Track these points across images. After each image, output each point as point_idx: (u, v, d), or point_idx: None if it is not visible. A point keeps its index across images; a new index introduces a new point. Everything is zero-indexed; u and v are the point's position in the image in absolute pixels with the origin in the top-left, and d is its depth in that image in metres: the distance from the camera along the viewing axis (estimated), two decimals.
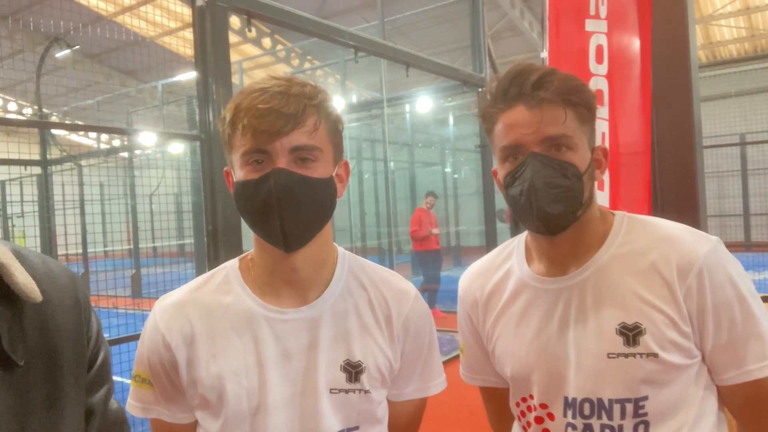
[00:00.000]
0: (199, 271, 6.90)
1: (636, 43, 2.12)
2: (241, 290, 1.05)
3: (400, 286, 1.12)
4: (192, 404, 1.03)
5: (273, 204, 0.94)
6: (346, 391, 1.01)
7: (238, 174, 0.98)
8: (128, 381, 1.08)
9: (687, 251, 1.03)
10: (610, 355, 1.03)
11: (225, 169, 1.05)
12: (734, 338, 1.02)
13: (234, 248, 2.87)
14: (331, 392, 1.00)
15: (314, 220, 0.99)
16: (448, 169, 15.53)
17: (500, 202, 6.06)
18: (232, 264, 1.10)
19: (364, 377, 1.02)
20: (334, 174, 1.01)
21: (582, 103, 1.04)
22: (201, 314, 1.03)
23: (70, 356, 0.75)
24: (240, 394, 0.98)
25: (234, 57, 13.82)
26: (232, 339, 1.01)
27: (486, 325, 1.20)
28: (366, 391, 1.02)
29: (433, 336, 1.14)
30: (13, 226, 11.83)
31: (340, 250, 1.11)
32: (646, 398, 1.02)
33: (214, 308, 1.03)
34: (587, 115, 1.05)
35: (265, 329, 1.01)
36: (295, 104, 0.95)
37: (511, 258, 1.19)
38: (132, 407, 1.06)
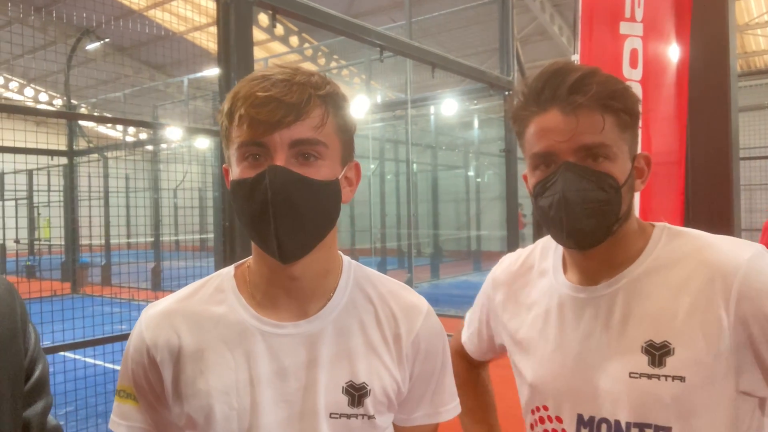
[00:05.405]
0: (218, 266, 6.91)
1: (673, 49, 2.03)
2: (235, 300, 0.96)
3: (411, 300, 1.02)
4: (179, 424, 0.95)
5: (267, 208, 0.84)
6: (348, 416, 0.92)
7: (234, 171, 0.89)
8: None
9: (727, 259, 0.93)
10: (632, 375, 0.95)
11: (223, 166, 0.95)
12: None
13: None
14: (330, 417, 0.92)
15: (314, 228, 0.89)
16: (471, 173, 15.42)
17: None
18: (227, 271, 1.01)
19: (368, 401, 0.93)
20: (341, 176, 0.92)
21: (624, 109, 0.95)
22: (190, 326, 0.94)
23: (6, 368, 0.71)
24: (229, 416, 0.89)
25: (261, 54, 13.92)
26: (222, 354, 0.92)
27: (504, 313, 1.15)
28: (370, 417, 0.93)
29: (447, 356, 1.04)
30: (38, 215, 12.06)
31: (345, 259, 1.02)
32: (669, 429, 0.93)
33: (204, 319, 0.95)
34: (629, 122, 0.96)
35: (259, 344, 0.92)
36: (299, 93, 0.84)
37: (548, 259, 1.13)
38: (115, 424, 0.97)
